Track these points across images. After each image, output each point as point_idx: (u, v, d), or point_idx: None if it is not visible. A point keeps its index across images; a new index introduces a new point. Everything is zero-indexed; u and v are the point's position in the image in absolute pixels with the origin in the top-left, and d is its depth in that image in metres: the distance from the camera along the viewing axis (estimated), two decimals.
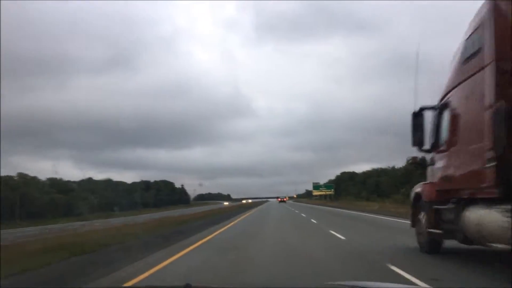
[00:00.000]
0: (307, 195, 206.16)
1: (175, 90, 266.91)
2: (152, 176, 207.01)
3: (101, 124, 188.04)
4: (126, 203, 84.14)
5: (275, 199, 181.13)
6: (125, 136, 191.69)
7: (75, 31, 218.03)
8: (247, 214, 41.62)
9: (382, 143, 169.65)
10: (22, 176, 74.45)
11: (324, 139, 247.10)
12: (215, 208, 60.95)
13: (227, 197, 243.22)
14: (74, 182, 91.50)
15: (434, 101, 9.24)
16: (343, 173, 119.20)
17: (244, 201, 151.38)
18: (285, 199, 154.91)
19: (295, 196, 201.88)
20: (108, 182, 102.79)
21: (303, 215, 34.98)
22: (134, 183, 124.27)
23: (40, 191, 73.34)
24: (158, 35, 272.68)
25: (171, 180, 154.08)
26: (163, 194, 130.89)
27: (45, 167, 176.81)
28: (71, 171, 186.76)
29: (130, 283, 6.82)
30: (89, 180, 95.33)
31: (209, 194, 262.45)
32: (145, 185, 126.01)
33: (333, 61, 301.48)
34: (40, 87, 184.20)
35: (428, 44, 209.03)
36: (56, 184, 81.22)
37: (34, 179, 77.65)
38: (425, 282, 6.36)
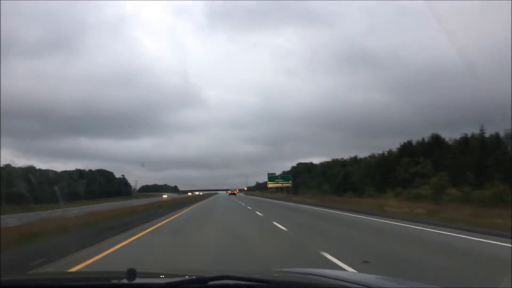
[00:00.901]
0: (258, 187, 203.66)
1: (120, 78, 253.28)
2: (96, 166, 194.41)
3: (41, 111, 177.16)
4: (47, 194, 72.31)
5: (225, 192, 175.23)
6: (67, 124, 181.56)
7: (10, 10, 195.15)
8: (184, 211, 32.21)
9: (333, 137, 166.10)
10: None
11: (276, 132, 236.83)
12: (153, 202, 49.50)
13: (174, 189, 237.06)
14: None
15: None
16: (300, 164, 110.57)
17: (190, 193, 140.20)
18: (235, 192, 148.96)
19: (245, 188, 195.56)
20: (30, 170, 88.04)
21: (259, 213, 25.82)
22: (65, 172, 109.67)
23: None
24: (102, 19, 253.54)
25: (116, 171, 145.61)
26: (99, 184, 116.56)
27: None
28: (10, 159, 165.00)
29: None
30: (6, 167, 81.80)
31: (155, 185, 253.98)
32: (79, 175, 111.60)
33: (285, 53, 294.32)
34: None
35: (375, 40, 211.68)
36: None
37: None
38: None
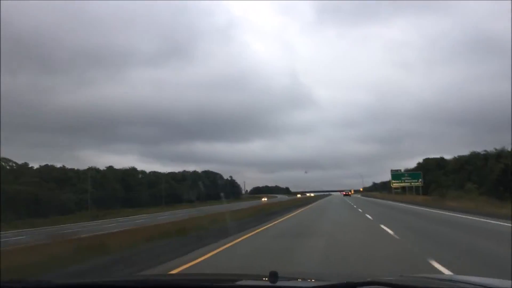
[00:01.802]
0: (375, 188, 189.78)
1: (231, 81, 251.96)
2: (211, 169, 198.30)
3: (160, 117, 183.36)
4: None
5: (339, 193, 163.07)
6: (184, 129, 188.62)
7: (130, 22, 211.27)
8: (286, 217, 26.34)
9: (454, 133, 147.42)
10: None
11: (390, 130, 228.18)
12: (250, 207, 39.30)
13: (286, 191, 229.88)
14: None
15: None
16: (427, 160, 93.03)
17: (299, 195, 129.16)
18: (349, 193, 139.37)
19: (361, 189, 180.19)
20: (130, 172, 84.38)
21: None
22: (170, 174, 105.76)
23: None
24: (213, 25, 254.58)
25: (229, 173, 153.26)
26: (205, 186, 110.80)
27: (111, 160, 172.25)
28: (137, 164, 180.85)
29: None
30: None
31: (266, 187, 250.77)
32: (182, 177, 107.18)
33: (399, 45, 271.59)
34: (98, 81, 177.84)
35: (502, 24, 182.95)
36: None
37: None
38: None
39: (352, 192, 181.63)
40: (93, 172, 68.55)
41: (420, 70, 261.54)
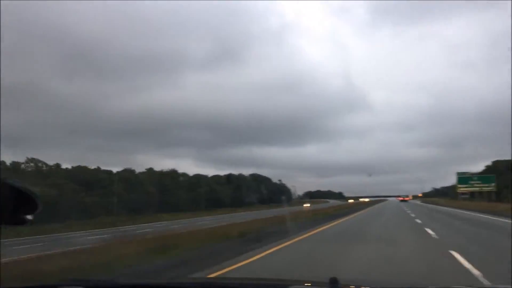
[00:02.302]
0: (436, 193, 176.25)
1: (284, 85, 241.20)
2: (265, 173, 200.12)
3: (214, 121, 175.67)
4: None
5: (395, 198, 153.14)
6: (238, 134, 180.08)
7: (184, 27, 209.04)
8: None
9: None
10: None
11: (451, 133, 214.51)
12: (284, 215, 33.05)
13: (338, 195, 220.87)
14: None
15: None
16: (498, 162, 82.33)
17: (351, 201, 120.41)
18: (406, 198, 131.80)
19: (420, 195, 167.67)
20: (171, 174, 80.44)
21: None
22: (215, 176, 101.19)
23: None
24: (265, 29, 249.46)
25: (284, 178, 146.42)
26: (251, 190, 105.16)
27: (168, 164, 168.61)
28: (191, 168, 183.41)
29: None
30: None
31: (319, 191, 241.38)
32: (227, 180, 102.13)
33: (459, 44, 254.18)
34: (151, 85, 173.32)
35: None
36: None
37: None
38: None
39: (410, 197, 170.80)
40: (128, 173, 64.95)
41: (481, 70, 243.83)
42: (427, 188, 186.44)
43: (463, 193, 58.57)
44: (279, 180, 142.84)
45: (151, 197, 60.05)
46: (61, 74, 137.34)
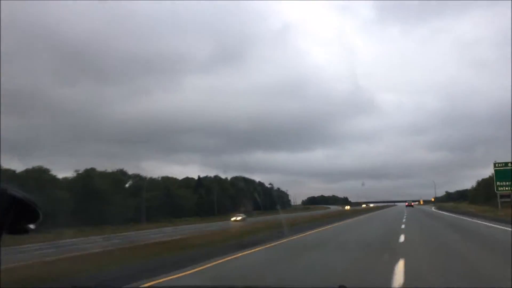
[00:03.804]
0: (448, 197, 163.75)
1: (290, 88, 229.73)
2: (272, 179, 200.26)
3: (219, 125, 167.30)
4: None
5: (404, 204, 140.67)
6: (243, 138, 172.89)
7: (183, 28, 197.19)
8: None
9: None
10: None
11: (464, 136, 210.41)
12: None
13: (344, 201, 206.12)
14: None
15: None
16: None
17: (347, 207, 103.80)
18: (412, 204, 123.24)
19: (432, 199, 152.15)
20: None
21: None
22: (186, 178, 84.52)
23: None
24: (267, 30, 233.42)
25: (291, 183, 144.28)
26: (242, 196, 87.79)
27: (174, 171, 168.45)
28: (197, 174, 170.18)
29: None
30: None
31: (322, 196, 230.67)
32: (197, 183, 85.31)
33: (471, 41, 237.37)
34: (153, 89, 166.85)
35: None
36: None
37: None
38: None
39: (421, 202, 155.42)
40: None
41: (495, 69, 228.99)
42: (440, 193, 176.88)
43: (505, 196, 39.88)
44: (274, 187, 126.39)
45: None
46: (59, 78, 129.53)
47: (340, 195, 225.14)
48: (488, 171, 74.52)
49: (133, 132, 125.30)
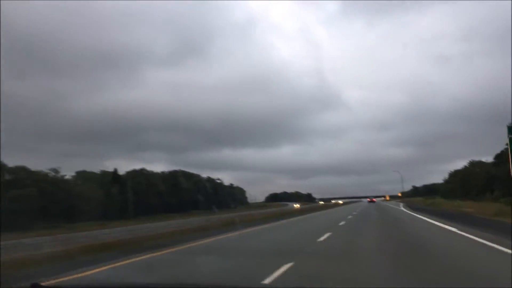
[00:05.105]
0: (415, 192, 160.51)
1: (255, 83, 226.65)
2: (239, 176, 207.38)
3: (183, 122, 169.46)
4: None
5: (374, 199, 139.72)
6: (209, 135, 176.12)
7: (141, 19, 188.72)
8: None
9: (497, 132, 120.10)
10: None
11: (427, 132, 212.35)
12: None
13: (307, 197, 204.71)
14: None
15: None
16: None
17: (297, 205, 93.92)
18: (374, 200, 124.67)
19: (399, 194, 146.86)
20: None
21: None
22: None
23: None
24: (231, 23, 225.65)
25: (257, 180, 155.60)
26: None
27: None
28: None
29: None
30: None
31: (285, 193, 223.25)
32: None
33: (435, 36, 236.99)
34: (112, 84, 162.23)
35: None
36: None
37: None
38: None
39: (388, 198, 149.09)
40: None
41: (458, 65, 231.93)
42: (407, 187, 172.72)
43: None
44: (231, 184, 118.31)
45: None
46: (6, 71, 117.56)
47: (310, 191, 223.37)
48: (453, 165, 67.76)
49: (92, 129, 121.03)
